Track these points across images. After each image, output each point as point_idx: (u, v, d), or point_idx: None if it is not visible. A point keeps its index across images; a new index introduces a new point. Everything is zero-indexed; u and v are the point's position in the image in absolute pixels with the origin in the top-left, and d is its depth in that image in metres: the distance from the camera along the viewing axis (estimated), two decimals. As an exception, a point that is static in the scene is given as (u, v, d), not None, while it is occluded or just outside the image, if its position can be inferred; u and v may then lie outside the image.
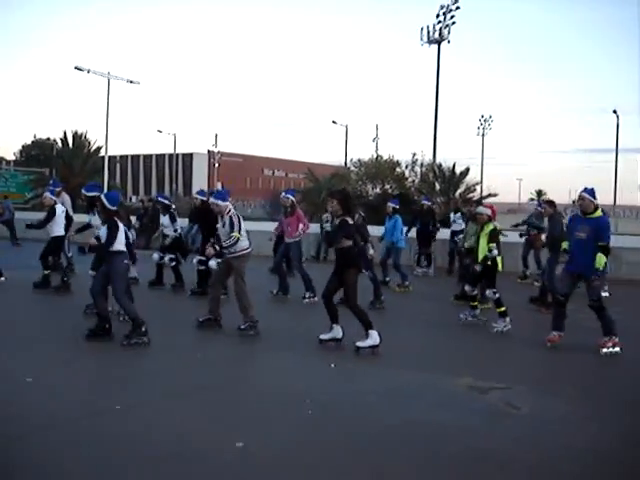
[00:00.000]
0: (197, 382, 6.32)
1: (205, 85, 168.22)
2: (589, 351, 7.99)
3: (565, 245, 8.33)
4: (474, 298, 9.57)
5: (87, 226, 10.64)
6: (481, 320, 9.53)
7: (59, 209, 11.80)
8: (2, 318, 9.13)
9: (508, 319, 9.14)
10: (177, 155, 73.28)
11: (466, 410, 5.64)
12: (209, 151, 76.96)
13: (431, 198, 20.72)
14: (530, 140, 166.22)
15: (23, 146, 57.13)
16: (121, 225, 7.97)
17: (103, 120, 40.09)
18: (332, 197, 7.91)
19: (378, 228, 14.19)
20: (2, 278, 12.42)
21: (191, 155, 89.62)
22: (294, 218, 11.59)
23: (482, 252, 9.33)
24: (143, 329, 7.71)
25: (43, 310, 10.31)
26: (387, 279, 13.30)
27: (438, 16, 45.99)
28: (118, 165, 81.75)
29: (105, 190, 17.32)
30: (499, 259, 9.30)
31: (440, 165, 36.31)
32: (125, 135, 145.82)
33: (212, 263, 10.25)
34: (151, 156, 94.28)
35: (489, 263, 9.25)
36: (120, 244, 7.89)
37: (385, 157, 39.13)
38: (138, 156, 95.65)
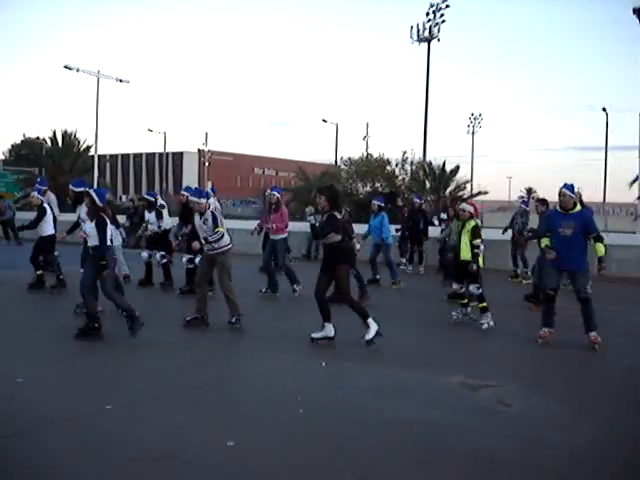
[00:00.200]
0: (188, 381, 6.31)
1: (195, 84, 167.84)
2: (579, 348, 8.02)
3: (547, 242, 8.28)
4: (463, 296, 9.59)
5: (76, 225, 10.59)
6: (472, 318, 9.55)
7: (48, 207, 11.78)
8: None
9: (489, 314, 9.24)
10: (167, 154, 73.05)
11: (457, 408, 5.65)
12: (199, 150, 76.77)
13: (422, 196, 20.75)
14: (520, 138, 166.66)
15: (12, 145, 56.59)
16: (108, 220, 8.04)
17: (93, 119, 39.97)
18: (320, 193, 7.99)
19: (362, 226, 14.21)
20: None
21: (181, 154, 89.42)
22: (278, 215, 11.68)
23: (465, 249, 9.40)
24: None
25: (35, 310, 10.26)
26: (377, 277, 13.35)
27: (428, 14, 45.89)
28: (108, 164, 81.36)
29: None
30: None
31: (430, 163, 36.31)
32: (115, 134, 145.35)
33: (198, 260, 10.31)
34: (141, 155, 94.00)
35: (473, 260, 9.33)
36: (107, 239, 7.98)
37: (375, 155, 39.12)
38: (128, 155, 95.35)
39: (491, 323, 9.19)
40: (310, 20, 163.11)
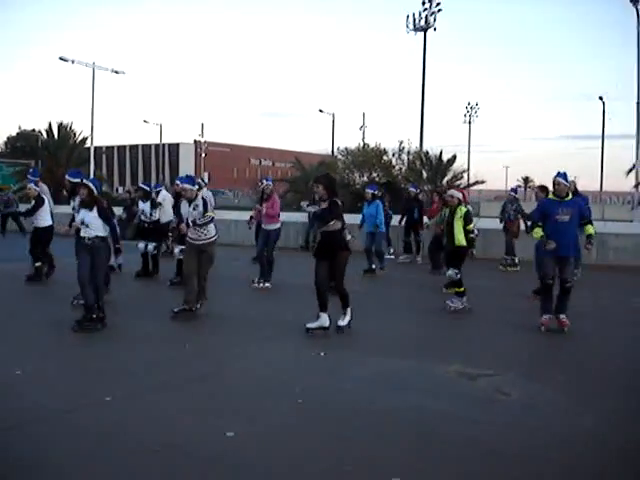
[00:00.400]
0: (187, 373, 6.31)
1: (191, 75, 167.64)
2: (578, 336, 8.06)
3: (541, 232, 8.29)
4: (460, 284, 9.61)
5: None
6: (468, 307, 9.57)
7: (46, 198, 11.83)
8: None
9: (465, 299, 9.57)
10: (163, 145, 72.90)
11: (455, 397, 5.66)
12: (196, 141, 76.70)
13: (419, 186, 20.71)
14: (516, 127, 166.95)
15: (8, 137, 56.40)
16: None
17: (88, 111, 39.72)
18: (318, 182, 8.01)
19: (355, 216, 14.21)
20: None
21: (177, 145, 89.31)
22: (270, 203, 11.68)
23: (458, 235, 9.50)
24: (94, 316, 7.94)
25: (34, 302, 10.27)
26: (373, 266, 13.45)
27: (424, 3, 45.65)
28: (104, 156, 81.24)
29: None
30: (464, 241, 9.56)
31: (427, 153, 36.20)
32: (111, 126, 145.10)
33: (176, 251, 10.33)
34: (137, 146, 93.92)
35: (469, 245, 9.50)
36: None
37: (372, 145, 39.05)
38: (124, 147, 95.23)
39: (460, 307, 9.51)
40: (306, 10, 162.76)
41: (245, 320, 8.70)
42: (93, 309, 7.94)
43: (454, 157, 35.32)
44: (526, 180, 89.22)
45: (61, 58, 36.71)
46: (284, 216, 12.38)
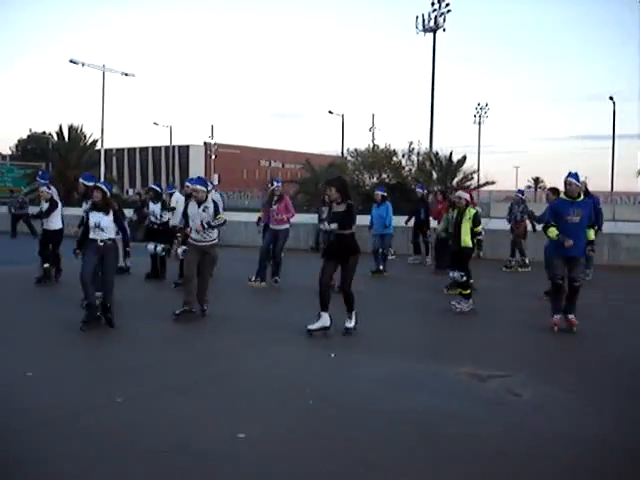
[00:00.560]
0: (197, 374, 6.32)
1: (201, 77, 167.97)
2: (589, 337, 8.02)
3: (556, 231, 8.24)
4: (466, 285, 9.56)
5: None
6: (474, 308, 9.53)
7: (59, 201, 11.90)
8: (2, 312, 9.15)
9: (471, 302, 9.51)
10: (173, 147, 73.14)
11: (467, 398, 5.64)
12: (205, 143, 76.86)
13: (426, 186, 20.68)
14: (527, 128, 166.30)
15: (19, 140, 56.89)
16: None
17: (99, 113, 39.90)
18: (330, 185, 8.01)
19: (364, 217, 14.18)
20: None
21: (187, 147, 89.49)
22: (283, 205, 11.78)
23: (465, 236, 9.48)
24: (98, 314, 8.09)
25: (44, 303, 10.30)
26: (381, 267, 13.53)
27: (433, 4, 45.64)
28: (114, 158, 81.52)
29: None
30: (469, 242, 9.58)
31: (437, 154, 36.21)
32: (121, 128, 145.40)
33: (179, 251, 10.38)
34: (147, 149, 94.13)
35: (473, 246, 9.58)
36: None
37: (382, 146, 39.08)
38: (134, 149, 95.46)
39: (466, 309, 9.44)
40: (315, 11, 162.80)
41: (254, 321, 8.71)
42: (96, 308, 8.03)
43: (464, 158, 35.29)
44: (536, 181, 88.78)
45: (71, 61, 36.95)
46: (294, 218, 12.36)
